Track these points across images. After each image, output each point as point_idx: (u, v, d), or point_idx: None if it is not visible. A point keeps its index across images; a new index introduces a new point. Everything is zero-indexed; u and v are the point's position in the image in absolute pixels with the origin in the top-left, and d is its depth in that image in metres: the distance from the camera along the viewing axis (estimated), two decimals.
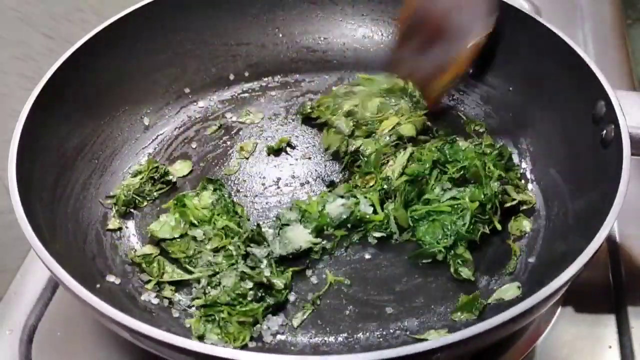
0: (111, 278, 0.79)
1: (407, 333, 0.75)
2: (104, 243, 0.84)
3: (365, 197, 0.84)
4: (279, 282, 0.77)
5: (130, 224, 0.88)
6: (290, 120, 1.03)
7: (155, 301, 0.78)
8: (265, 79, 1.09)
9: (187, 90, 1.05)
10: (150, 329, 0.60)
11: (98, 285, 0.76)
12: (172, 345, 0.58)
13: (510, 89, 0.97)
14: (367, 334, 0.75)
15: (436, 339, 0.57)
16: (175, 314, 0.77)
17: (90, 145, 0.91)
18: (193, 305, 0.78)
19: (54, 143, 0.85)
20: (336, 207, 0.84)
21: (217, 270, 0.78)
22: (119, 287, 0.79)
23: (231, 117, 1.04)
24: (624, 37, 1.26)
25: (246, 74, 1.08)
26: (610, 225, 0.65)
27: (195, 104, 1.05)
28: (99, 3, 1.22)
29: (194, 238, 0.82)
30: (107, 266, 0.81)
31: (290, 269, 0.80)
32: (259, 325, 0.75)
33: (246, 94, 1.07)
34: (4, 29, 1.05)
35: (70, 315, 0.85)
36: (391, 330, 0.75)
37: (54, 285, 0.89)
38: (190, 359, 0.59)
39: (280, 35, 1.10)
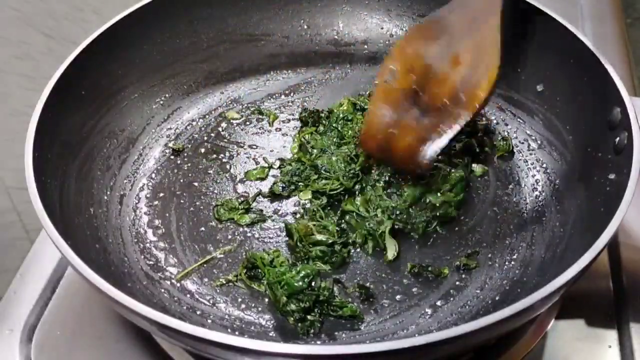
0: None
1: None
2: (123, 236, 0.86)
3: None
4: None
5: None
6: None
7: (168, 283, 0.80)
8: (286, 71, 1.10)
9: (211, 81, 1.06)
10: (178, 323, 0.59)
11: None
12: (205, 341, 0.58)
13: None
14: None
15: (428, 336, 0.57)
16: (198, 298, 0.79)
17: (104, 132, 0.92)
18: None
19: (71, 132, 0.86)
20: None
21: None
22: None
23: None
24: (624, 37, 1.26)
25: (267, 65, 1.09)
26: (613, 230, 0.65)
27: (213, 95, 1.06)
28: (98, 3, 1.22)
29: None
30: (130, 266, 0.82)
31: None
32: None
33: (266, 87, 1.07)
34: (4, 28, 1.05)
35: (69, 315, 0.85)
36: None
37: (53, 285, 0.89)
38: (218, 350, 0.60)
39: (306, 27, 1.10)
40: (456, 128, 0.82)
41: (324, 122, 0.99)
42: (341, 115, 0.97)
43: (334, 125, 0.96)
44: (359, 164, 0.90)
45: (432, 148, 0.83)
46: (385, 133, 0.86)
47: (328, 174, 0.90)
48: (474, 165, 0.93)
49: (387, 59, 0.89)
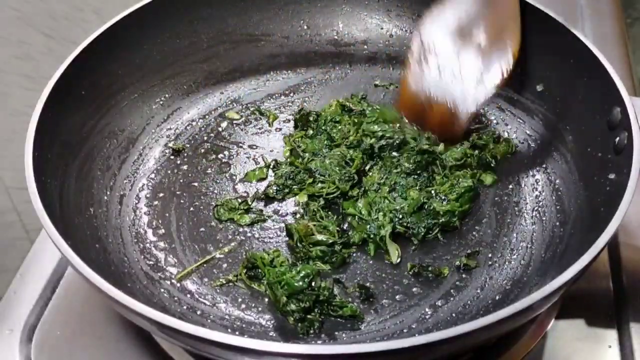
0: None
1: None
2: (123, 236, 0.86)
3: None
4: None
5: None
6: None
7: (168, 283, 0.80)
8: (286, 71, 1.10)
9: (211, 81, 1.06)
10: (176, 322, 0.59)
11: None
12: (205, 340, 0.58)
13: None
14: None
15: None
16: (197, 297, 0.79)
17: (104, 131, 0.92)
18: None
19: (70, 132, 0.86)
20: None
21: None
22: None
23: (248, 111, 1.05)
24: (624, 37, 1.26)
25: (267, 65, 1.09)
26: (613, 230, 0.65)
27: (212, 95, 1.06)
28: (98, 3, 1.22)
29: None
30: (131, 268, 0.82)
31: None
32: None
33: (266, 87, 1.08)
34: (4, 28, 1.05)
35: (69, 315, 0.85)
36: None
37: (53, 285, 0.89)
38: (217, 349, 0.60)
39: (305, 27, 1.10)
40: (485, 94, 0.90)
41: (312, 125, 0.98)
42: (329, 118, 0.97)
43: (322, 128, 0.96)
44: (354, 167, 0.90)
45: (463, 113, 0.90)
46: (419, 101, 0.92)
47: (323, 177, 0.90)
48: (483, 174, 0.92)
49: (413, 39, 0.95)
